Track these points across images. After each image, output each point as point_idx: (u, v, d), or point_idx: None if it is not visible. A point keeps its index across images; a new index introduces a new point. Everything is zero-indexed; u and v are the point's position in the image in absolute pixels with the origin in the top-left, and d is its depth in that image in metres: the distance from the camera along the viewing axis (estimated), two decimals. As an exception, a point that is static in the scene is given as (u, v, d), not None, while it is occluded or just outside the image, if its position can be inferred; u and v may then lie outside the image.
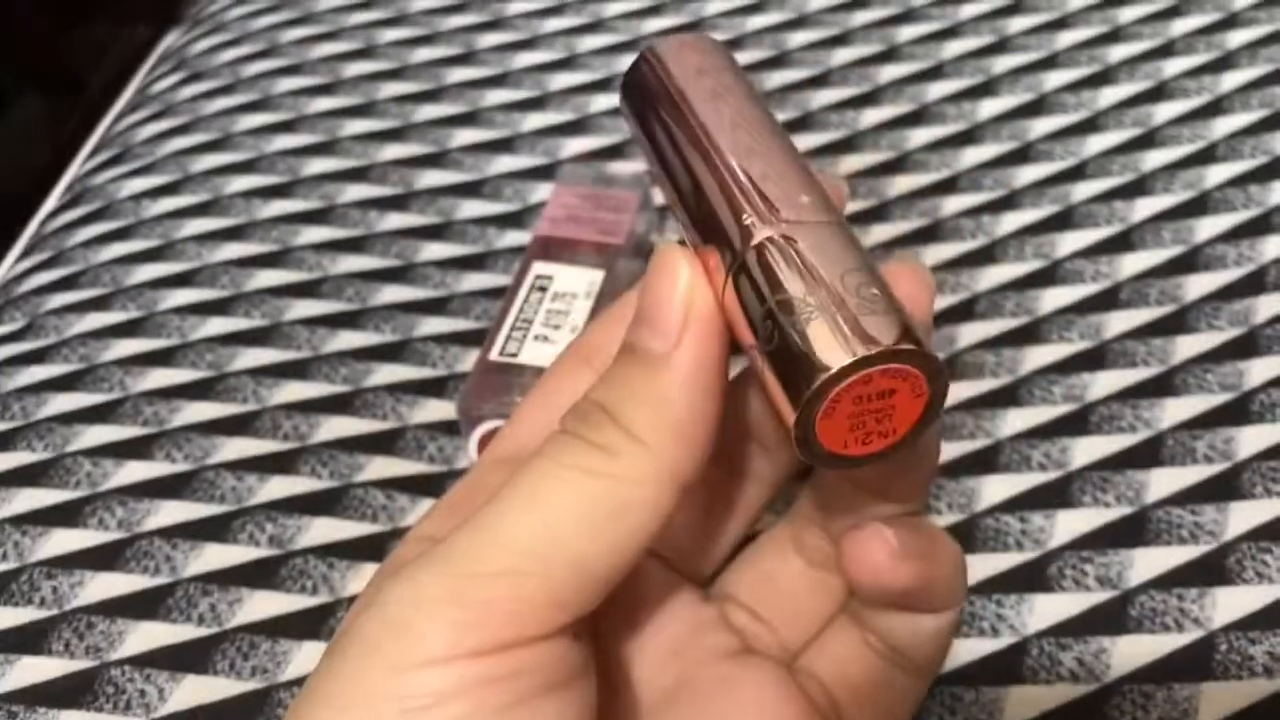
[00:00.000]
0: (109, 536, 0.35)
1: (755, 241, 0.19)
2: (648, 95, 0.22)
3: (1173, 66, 0.47)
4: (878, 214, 0.43)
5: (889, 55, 0.51)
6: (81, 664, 0.31)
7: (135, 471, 0.36)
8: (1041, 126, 0.46)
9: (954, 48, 0.51)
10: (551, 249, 0.39)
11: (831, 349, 0.18)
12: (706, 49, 0.23)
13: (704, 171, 0.21)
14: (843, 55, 0.51)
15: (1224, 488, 0.32)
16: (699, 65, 0.22)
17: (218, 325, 0.41)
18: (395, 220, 0.46)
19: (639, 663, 0.23)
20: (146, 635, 0.32)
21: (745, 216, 0.20)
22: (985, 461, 0.34)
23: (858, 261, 0.19)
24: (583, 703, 0.19)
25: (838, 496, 0.23)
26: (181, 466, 0.37)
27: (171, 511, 0.35)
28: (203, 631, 0.32)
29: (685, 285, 0.20)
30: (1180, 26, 0.49)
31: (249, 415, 0.38)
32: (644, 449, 0.19)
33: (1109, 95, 0.47)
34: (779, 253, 0.19)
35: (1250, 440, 0.33)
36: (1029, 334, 0.38)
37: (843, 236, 0.19)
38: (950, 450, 0.35)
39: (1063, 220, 0.42)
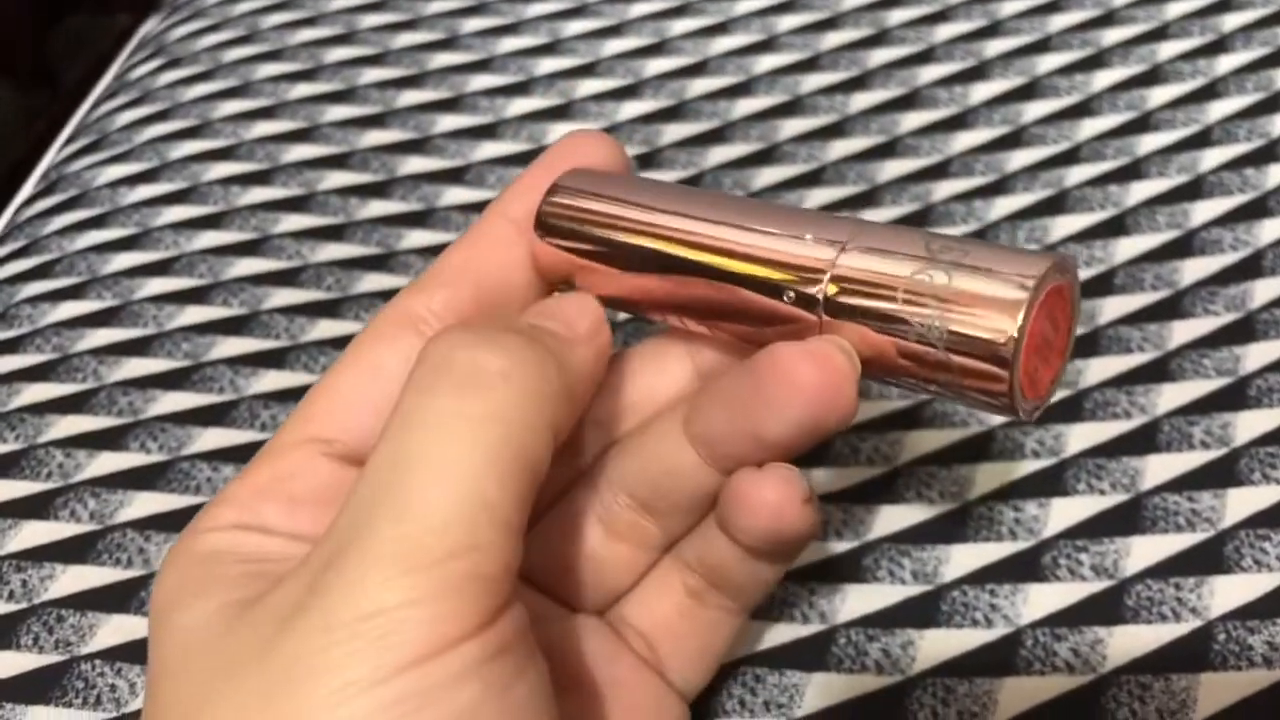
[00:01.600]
0: (81, 529, 0.34)
1: (838, 259, 0.19)
2: (589, 219, 0.23)
3: (1167, 49, 0.47)
4: (868, 199, 0.43)
5: (879, 39, 0.50)
6: (51, 658, 0.31)
7: (108, 463, 0.36)
8: (1034, 110, 0.45)
9: (945, 31, 0.50)
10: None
11: (1004, 292, 0.18)
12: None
13: (722, 245, 0.21)
14: (832, 39, 0.50)
15: (1221, 474, 0.32)
16: (609, 177, 0.24)
17: (195, 314, 0.41)
18: (376, 208, 0.45)
19: None
20: (118, 629, 0.31)
21: (801, 250, 0.20)
22: (977, 449, 0.33)
23: (922, 233, 0.19)
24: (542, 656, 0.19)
25: (717, 440, 0.23)
26: (156, 457, 0.36)
27: (145, 503, 0.34)
28: (176, 626, 0.31)
29: (597, 324, 0.23)
30: (1175, 9, 0.49)
31: (226, 405, 0.37)
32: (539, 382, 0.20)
33: (1102, 79, 0.46)
34: (869, 255, 0.19)
35: (1247, 425, 0.33)
36: (1022, 319, 0.37)
37: (885, 226, 0.20)
38: (941, 438, 0.34)
39: (1055, 205, 0.41)
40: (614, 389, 0.24)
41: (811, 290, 0.20)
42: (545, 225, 0.23)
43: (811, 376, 0.20)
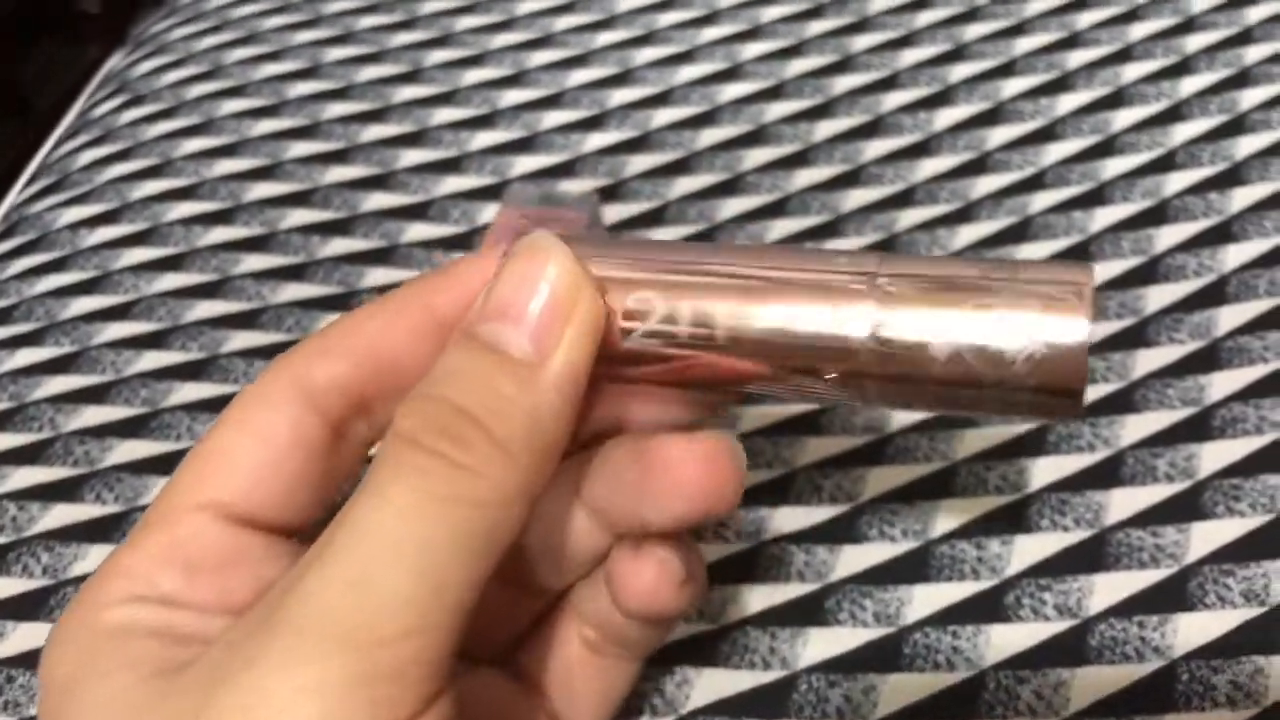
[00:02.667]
0: (33, 584, 0.33)
1: (883, 286, 0.19)
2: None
3: (1131, 71, 0.47)
4: (832, 229, 0.42)
5: (843, 66, 0.50)
6: (1, 721, 0.30)
7: (63, 515, 0.35)
8: (999, 135, 0.45)
9: (909, 57, 0.50)
10: (493, 274, 0.37)
11: (1065, 309, 0.18)
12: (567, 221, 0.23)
13: (750, 292, 0.20)
14: (796, 66, 0.50)
15: (1186, 507, 0.31)
16: (590, 240, 0.22)
17: (153, 359, 0.40)
18: (338, 245, 0.45)
19: None
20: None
21: (844, 283, 0.19)
22: (940, 485, 0.33)
23: (948, 258, 0.20)
24: None
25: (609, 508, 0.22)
26: (112, 509, 0.35)
27: (100, 556, 0.34)
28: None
29: (563, 282, 0.19)
30: (1139, 31, 0.49)
31: (183, 453, 0.37)
32: (513, 465, 0.18)
33: (1067, 102, 0.46)
34: (919, 283, 0.19)
35: (1211, 457, 0.32)
36: (985, 351, 0.37)
37: (912, 255, 0.20)
38: (905, 475, 0.33)
39: (1020, 232, 0.41)
40: None
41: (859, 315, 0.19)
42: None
43: (697, 475, 0.20)
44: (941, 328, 0.19)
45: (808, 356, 0.19)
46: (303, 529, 0.21)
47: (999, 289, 0.19)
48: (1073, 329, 0.18)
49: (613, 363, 0.21)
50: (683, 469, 0.20)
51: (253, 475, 0.20)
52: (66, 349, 0.41)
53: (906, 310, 0.19)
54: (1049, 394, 0.19)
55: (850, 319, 0.19)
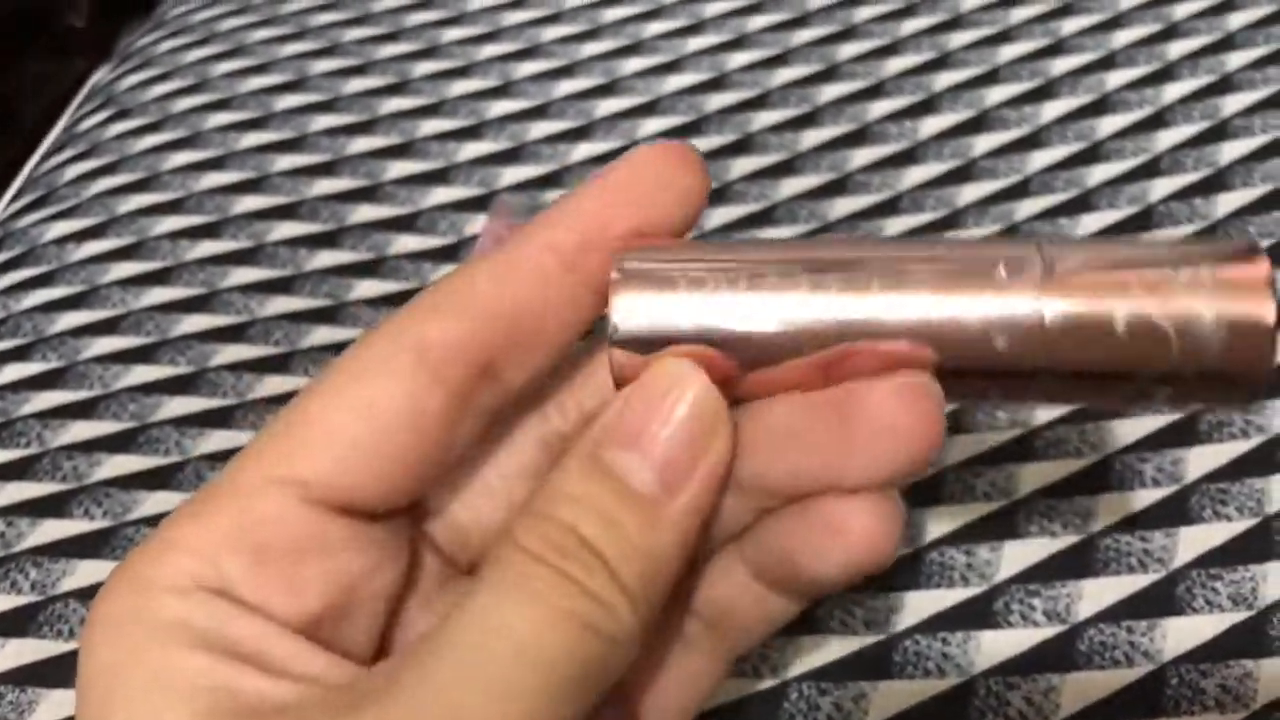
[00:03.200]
0: (21, 600, 0.33)
1: (1056, 266, 0.18)
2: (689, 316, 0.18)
3: (1115, 79, 0.47)
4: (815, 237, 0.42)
5: (829, 74, 0.50)
6: None
7: (51, 530, 0.35)
8: (984, 143, 0.45)
9: (895, 65, 0.50)
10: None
11: (1252, 281, 0.17)
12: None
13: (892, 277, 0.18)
14: (783, 75, 0.50)
15: (1173, 512, 0.31)
16: (678, 247, 0.19)
17: (141, 374, 0.40)
18: (326, 258, 0.45)
19: None
20: (59, 705, 0.31)
21: (1005, 268, 0.18)
22: (930, 492, 0.33)
23: (1108, 241, 0.19)
24: None
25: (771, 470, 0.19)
26: (100, 524, 0.35)
27: (89, 572, 0.34)
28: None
29: (701, 417, 0.18)
30: (1122, 38, 0.49)
31: (172, 467, 0.37)
32: (633, 607, 0.17)
33: (1051, 109, 0.46)
34: (1096, 259, 0.18)
35: (1198, 461, 0.32)
36: (973, 358, 0.37)
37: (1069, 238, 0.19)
38: (894, 482, 0.34)
39: (1007, 238, 0.41)
40: None
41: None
42: (626, 337, 0.18)
43: (909, 420, 0.18)
44: (1123, 303, 0.17)
45: (974, 342, 0.18)
46: (393, 513, 0.19)
47: (1178, 267, 0.17)
48: (1259, 311, 0.17)
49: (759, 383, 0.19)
50: (894, 416, 0.18)
51: (349, 452, 0.18)
52: (54, 364, 0.41)
53: (1081, 286, 0.18)
54: (1228, 379, 0.18)
55: (1021, 297, 0.18)
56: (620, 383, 0.19)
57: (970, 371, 0.18)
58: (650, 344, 0.18)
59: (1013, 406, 0.35)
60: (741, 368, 0.18)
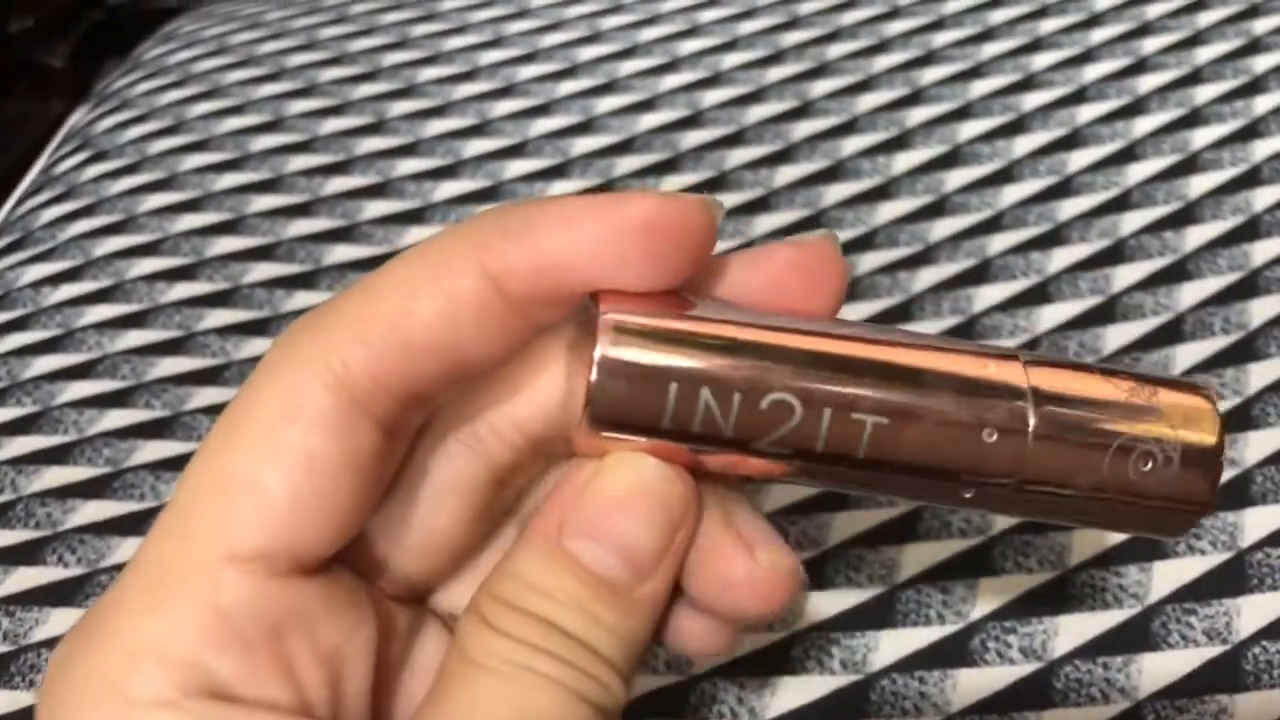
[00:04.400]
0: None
1: (1034, 386, 0.18)
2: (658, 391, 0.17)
3: (1085, 113, 0.47)
4: (794, 274, 0.43)
5: (803, 111, 0.50)
6: None
7: (24, 578, 0.35)
8: (956, 178, 0.46)
9: (868, 101, 0.50)
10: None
11: (1199, 418, 0.19)
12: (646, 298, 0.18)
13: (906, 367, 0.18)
14: (756, 113, 0.51)
15: (1146, 547, 0.32)
16: (669, 312, 0.18)
17: (116, 418, 0.40)
18: (303, 299, 0.45)
19: None
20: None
21: (992, 373, 0.18)
22: (905, 530, 0.33)
23: (1080, 362, 0.19)
24: None
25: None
26: (75, 571, 0.35)
27: (63, 619, 0.33)
28: None
29: (667, 513, 0.18)
30: (1092, 72, 0.49)
31: (147, 513, 0.37)
32: (620, 678, 0.18)
33: (1023, 144, 0.47)
34: (1058, 373, 0.19)
35: (1171, 497, 0.33)
36: (947, 393, 0.37)
37: (1048, 357, 0.20)
38: (869, 519, 0.34)
39: (979, 274, 0.41)
40: None
41: (1019, 408, 0.18)
42: (606, 416, 0.17)
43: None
44: (1104, 427, 0.18)
45: (957, 461, 0.18)
46: (341, 552, 0.18)
47: (1144, 388, 0.19)
48: (1209, 443, 0.19)
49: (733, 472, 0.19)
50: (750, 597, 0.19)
51: (298, 513, 0.17)
52: (28, 409, 0.41)
53: (1067, 405, 0.18)
54: (1185, 500, 0.19)
55: (1009, 420, 0.18)
56: (582, 451, 0.18)
57: (944, 485, 0.19)
58: (625, 428, 0.18)
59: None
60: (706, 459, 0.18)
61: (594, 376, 0.17)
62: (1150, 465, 0.18)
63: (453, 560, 0.20)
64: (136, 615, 0.16)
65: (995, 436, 0.18)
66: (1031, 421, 0.18)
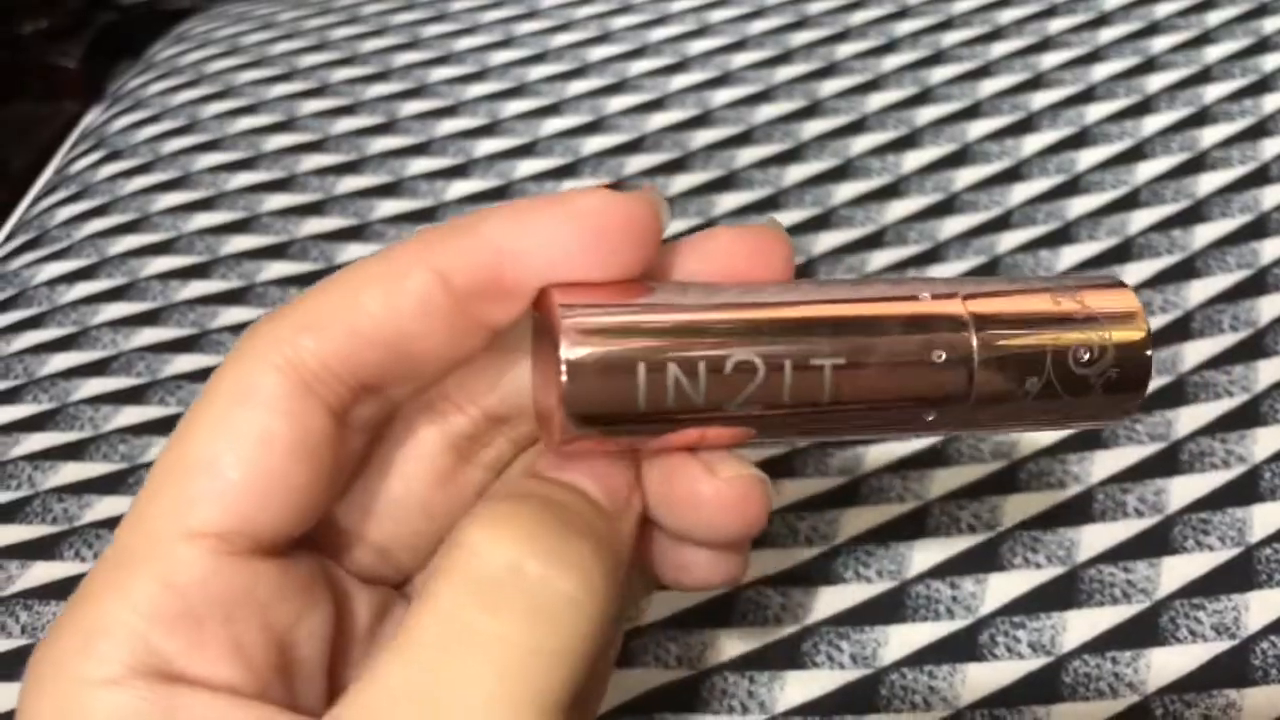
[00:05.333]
0: (13, 644, 0.33)
1: (969, 310, 0.20)
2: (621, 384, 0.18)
3: (1094, 111, 0.48)
4: (804, 272, 0.43)
5: (812, 111, 0.50)
6: None
7: (42, 573, 0.35)
8: (966, 177, 0.46)
9: (877, 100, 0.50)
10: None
11: (1120, 303, 0.20)
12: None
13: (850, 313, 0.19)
14: (766, 112, 0.51)
15: (1155, 542, 0.32)
16: (621, 298, 0.19)
17: (132, 415, 0.40)
18: (315, 297, 0.45)
19: None
20: None
21: (926, 300, 0.20)
22: (914, 525, 0.33)
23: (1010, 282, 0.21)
24: None
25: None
26: (91, 566, 0.35)
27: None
28: None
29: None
30: (1101, 71, 0.49)
31: (162, 508, 0.37)
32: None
33: (1032, 143, 0.47)
34: (993, 299, 0.20)
35: (1180, 492, 0.33)
36: (957, 390, 0.37)
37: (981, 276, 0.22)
38: (879, 515, 0.34)
39: (989, 273, 0.41)
40: None
41: (962, 337, 0.19)
42: (583, 413, 0.18)
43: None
44: (1037, 337, 0.20)
45: (914, 389, 0.19)
46: (296, 541, 0.18)
47: (1072, 295, 0.20)
48: (1133, 321, 0.20)
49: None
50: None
51: (252, 491, 0.17)
52: (45, 406, 0.41)
53: (1002, 324, 0.20)
54: (1123, 394, 0.20)
55: (952, 345, 0.20)
56: (554, 451, 0.19)
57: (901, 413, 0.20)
58: (602, 421, 0.18)
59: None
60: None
61: (564, 379, 0.18)
62: (1089, 356, 0.20)
63: (424, 539, 0.21)
64: (95, 597, 0.17)
65: (944, 358, 0.19)
66: (974, 343, 0.19)
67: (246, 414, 0.17)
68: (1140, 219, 0.42)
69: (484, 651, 0.16)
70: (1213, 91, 0.47)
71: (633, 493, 0.20)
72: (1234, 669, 0.29)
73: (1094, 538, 0.32)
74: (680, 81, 0.53)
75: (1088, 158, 0.45)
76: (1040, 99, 0.49)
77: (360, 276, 0.18)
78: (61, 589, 0.35)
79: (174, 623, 0.16)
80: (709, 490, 0.19)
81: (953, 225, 0.44)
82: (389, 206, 0.49)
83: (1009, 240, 0.42)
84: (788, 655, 0.31)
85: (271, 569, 0.18)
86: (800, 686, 0.30)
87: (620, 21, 0.59)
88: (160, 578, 0.17)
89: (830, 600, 0.32)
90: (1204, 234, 0.41)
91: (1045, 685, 0.29)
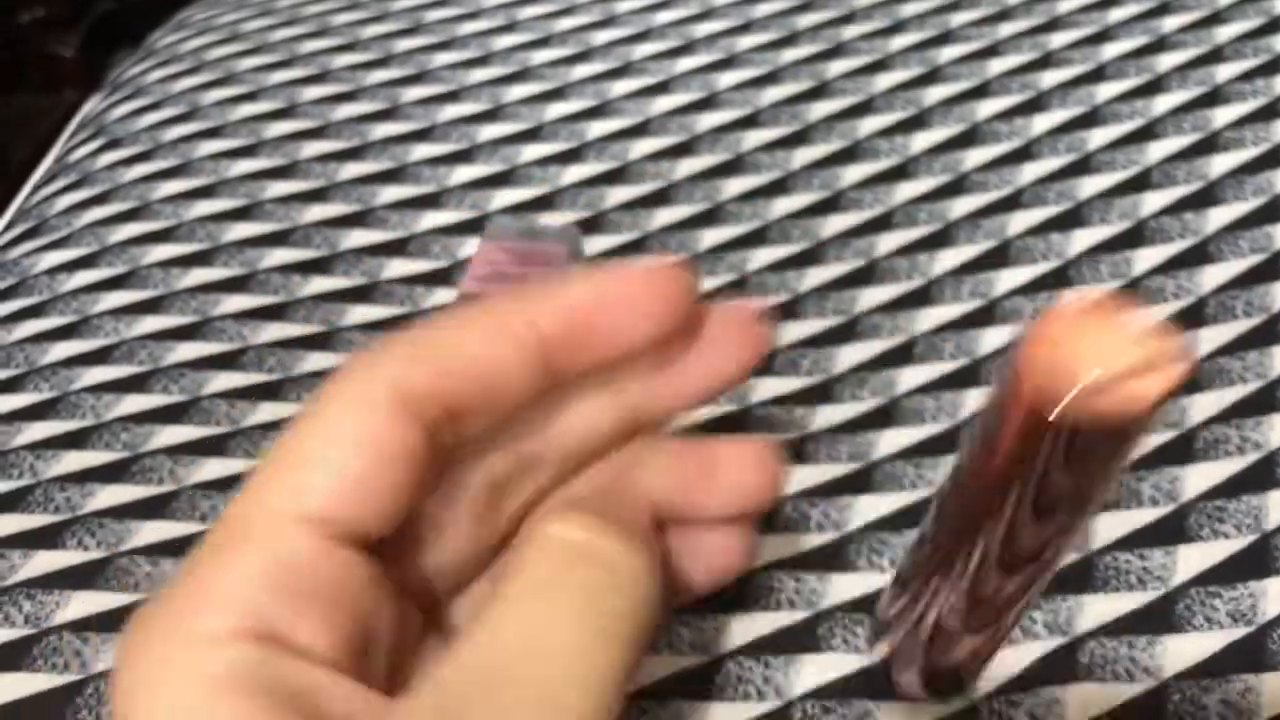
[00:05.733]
0: (15, 633, 0.33)
1: None
2: None
3: (1105, 91, 0.47)
4: (812, 257, 0.42)
5: (819, 92, 0.50)
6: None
7: (44, 562, 0.35)
8: (975, 157, 0.45)
9: (884, 81, 0.50)
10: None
11: None
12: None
13: None
14: (772, 94, 0.50)
15: (1171, 530, 0.31)
16: None
17: (134, 403, 0.40)
18: (318, 284, 0.44)
19: None
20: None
21: None
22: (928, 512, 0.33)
23: None
24: None
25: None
26: (94, 554, 0.35)
27: (83, 603, 0.33)
28: None
29: None
30: (1111, 50, 0.49)
31: (166, 496, 0.37)
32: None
33: (1042, 122, 0.46)
34: None
35: (1195, 479, 0.32)
36: (969, 376, 0.37)
37: None
38: (892, 503, 0.33)
39: (1000, 257, 0.41)
40: None
41: None
42: None
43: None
44: None
45: None
46: (379, 545, 0.20)
47: None
48: None
49: None
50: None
51: (359, 486, 0.19)
52: (46, 394, 0.41)
53: None
54: None
55: None
56: None
57: None
58: None
59: None
60: None
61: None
62: None
63: (455, 568, 0.22)
64: (208, 565, 0.18)
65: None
66: None
67: (360, 420, 0.19)
68: (1152, 201, 0.41)
69: (569, 595, 0.18)
70: (1224, 71, 0.46)
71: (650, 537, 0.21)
72: (1251, 655, 0.28)
73: (1109, 525, 0.32)
74: (685, 64, 0.53)
75: (1099, 137, 0.45)
76: (1050, 78, 0.48)
77: (461, 322, 0.20)
78: (65, 577, 0.34)
79: (282, 594, 0.18)
80: (728, 449, 0.22)
81: (962, 205, 0.43)
82: (392, 192, 0.49)
83: (1019, 221, 0.42)
84: (803, 640, 0.30)
85: (362, 561, 0.19)
86: (816, 670, 0.30)
87: (624, 5, 0.58)
88: (273, 553, 0.18)
89: (844, 587, 0.32)
90: (1217, 217, 0.40)
91: (1062, 665, 0.29)
